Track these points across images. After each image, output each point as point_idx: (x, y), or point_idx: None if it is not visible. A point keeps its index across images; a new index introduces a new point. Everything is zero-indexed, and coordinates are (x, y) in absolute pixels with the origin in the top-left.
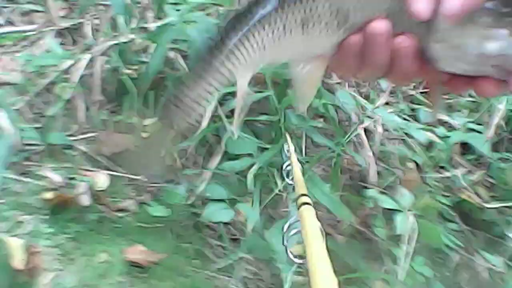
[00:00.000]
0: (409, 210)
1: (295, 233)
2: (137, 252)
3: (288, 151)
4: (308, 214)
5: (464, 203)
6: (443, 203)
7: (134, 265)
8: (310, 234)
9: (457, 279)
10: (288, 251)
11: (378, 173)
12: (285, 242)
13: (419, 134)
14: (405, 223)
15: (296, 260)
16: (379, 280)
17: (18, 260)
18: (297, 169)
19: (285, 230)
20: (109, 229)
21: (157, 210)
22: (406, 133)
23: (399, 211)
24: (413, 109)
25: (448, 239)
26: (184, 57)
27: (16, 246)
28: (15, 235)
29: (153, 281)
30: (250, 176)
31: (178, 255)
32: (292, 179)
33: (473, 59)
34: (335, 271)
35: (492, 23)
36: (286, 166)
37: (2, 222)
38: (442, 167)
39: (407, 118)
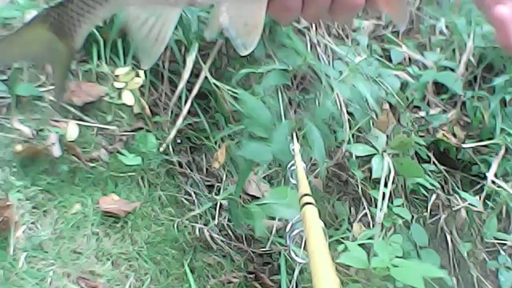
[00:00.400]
0: (384, 151)
1: (297, 233)
2: (111, 202)
3: (293, 150)
4: (311, 214)
5: (440, 143)
6: (418, 144)
7: (109, 215)
8: (313, 234)
9: (435, 220)
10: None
11: (351, 114)
12: (288, 242)
13: (392, 80)
14: (381, 164)
15: (299, 259)
16: (358, 222)
17: None
18: (300, 169)
19: (288, 229)
20: (82, 179)
21: (129, 159)
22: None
23: (374, 154)
24: (384, 49)
25: (425, 180)
26: None
27: None
28: None
29: (128, 230)
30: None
31: (152, 204)
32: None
33: None
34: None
35: None
36: (291, 166)
37: None
38: (416, 107)
39: (380, 58)
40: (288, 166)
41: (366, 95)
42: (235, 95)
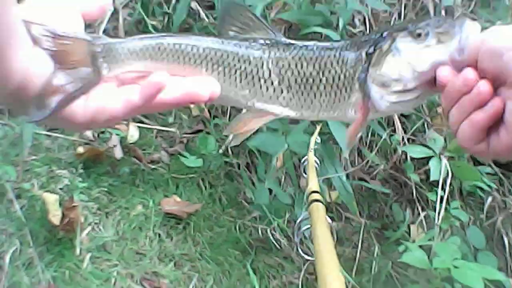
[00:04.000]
0: (441, 154)
1: (305, 229)
2: (173, 203)
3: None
4: (318, 211)
5: None
6: None
7: (170, 216)
8: (319, 231)
9: (491, 222)
10: (299, 248)
11: (407, 117)
12: (296, 238)
13: None
14: (438, 167)
15: (306, 256)
16: (415, 224)
17: (54, 216)
18: (311, 165)
19: (295, 226)
20: (143, 181)
21: (191, 161)
22: None
23: (431, 156)
24: None
25: (482, 181)
26: (207, 7)
27: (51, 201)
28: (49, 191)
29: (190, 232)
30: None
31: (213, 205)
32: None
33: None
34: (370, 216)
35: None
36: (304, 161)
37: (36, 178)
38: None
39: None
40: (302, 161)
41: None
42: None
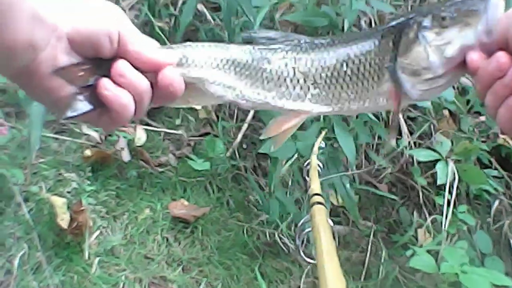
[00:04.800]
0: (447, 157)
1: (307, 232)
2: (181, 207)
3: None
4: (320, 214)
5: (501, 148)
6: (480, 149)
7: (178, 220)
8: (321, 234)
9: (499, 226)
10: (301, 251)
11: (413, 119)
12: (297, 241)
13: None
14: (445, 171)
15: (309, 259)
16: (423, 228)
17: (62, 219)
18: (314, 168)
19: (297, 229)
20: (150, 184)
21: (198, 164)
22: None
23: (438, 159)
24: None
25: (488, 185)
26: (213, 9)
27: (59, 205)
28: (57, 194)
29: (198, 235)
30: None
31: (220, 209)
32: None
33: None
34: (377, 220)
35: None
36: (307, 164)
37: (44, 181)
38: (476, 112)
39: None
40: (305, 164)
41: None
42: None
